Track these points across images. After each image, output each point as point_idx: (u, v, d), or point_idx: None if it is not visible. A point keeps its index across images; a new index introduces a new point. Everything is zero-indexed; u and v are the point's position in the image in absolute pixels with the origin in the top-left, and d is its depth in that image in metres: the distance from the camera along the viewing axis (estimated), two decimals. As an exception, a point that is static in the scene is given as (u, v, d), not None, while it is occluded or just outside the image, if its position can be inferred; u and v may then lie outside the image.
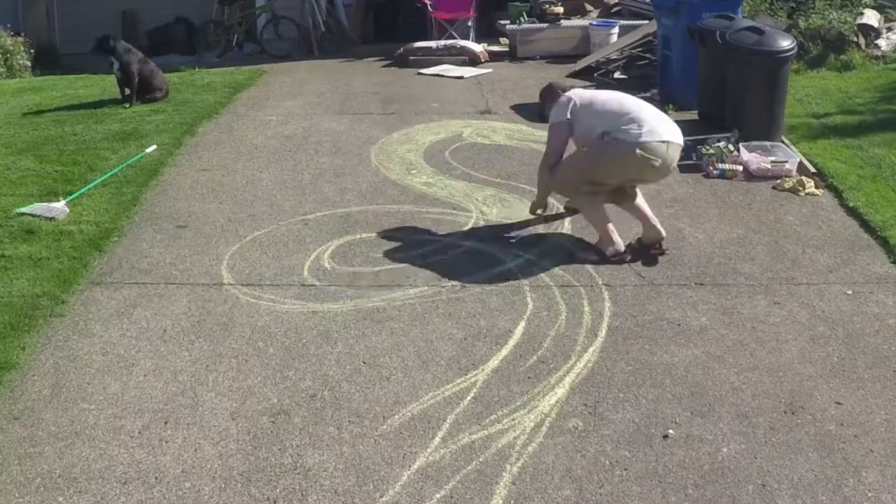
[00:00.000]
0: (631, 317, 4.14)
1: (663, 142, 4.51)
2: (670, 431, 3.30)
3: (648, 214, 4.79)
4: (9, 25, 10.50)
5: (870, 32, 9.37)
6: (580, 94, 4.89)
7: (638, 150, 4.46)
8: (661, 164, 4.55)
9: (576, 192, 4.83)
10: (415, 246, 4.93)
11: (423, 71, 9.74)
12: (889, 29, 9.64)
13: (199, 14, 11.84)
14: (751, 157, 6.02)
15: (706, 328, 4.05)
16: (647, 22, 9.55)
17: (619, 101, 4.72)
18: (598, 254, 4.69)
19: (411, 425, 3.36)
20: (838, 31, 9.21)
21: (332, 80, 9.38)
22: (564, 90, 4.95)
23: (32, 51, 10.51)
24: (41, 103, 8.26)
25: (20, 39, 10.42)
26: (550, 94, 5.05)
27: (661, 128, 4.55)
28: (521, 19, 10.60)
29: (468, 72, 9.65)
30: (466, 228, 5.18)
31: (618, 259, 4.64)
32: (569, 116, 4.72)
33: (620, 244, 4.68)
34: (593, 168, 4.64)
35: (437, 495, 2.98)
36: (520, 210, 5.43)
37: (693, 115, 7.28)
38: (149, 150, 6.58)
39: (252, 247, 4.97)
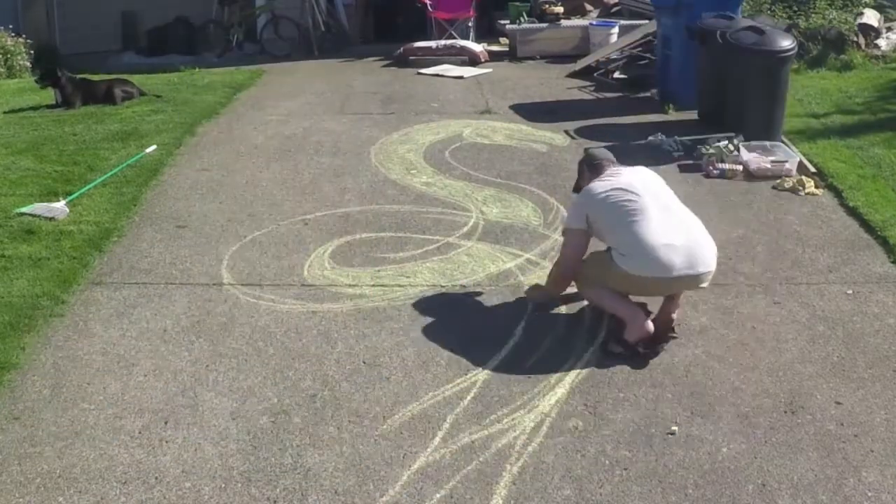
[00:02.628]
0: (631, 317, 4.13)
1: (673, 278, 3.76)
2: (674, 428, 3.30)
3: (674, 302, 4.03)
4: (11, 27, 10.49)
5: (870, 32, 9.38)
6: (596, 192, 3.93)
7: (641, 278, 3.80)
8: (671, 288, 3.89)
9: (590, 288, 4.06)
10: (415, 246, 4.93)
11: (423, 71, 9.74)
12: (889, 29, 9.64)
13: (199, 14, 11.83)
14: (751, 156, 6.02)
15: (706, 328, 4.04)
16: (647, 22, 9.55)
17: (636, 214, 3.81)
18: (622, 344, 3.82)
19: (411, 425, 3.36)
20: (838, 31, 9.21)
21: (332, 80, 9.38)
22: (595, 168, 4.09)
23: (33, 51, 10.51)
24: (41, 103, 8.26)
25: (21, 40, 10.42)
26: (581, 169, 4.22)
27: (675, 260, 3.72)
28: (521, 19, 10.61)
29: (468, 72, 9.65)
30: (466, 228, 5.18)
31: (646, 350, 3.80)
32: (584, 226, 3.95)
33: (649, 325, 3.83)
34: (606, 278, 3.90)
35: (437, 495, 2.98)
36: (519, 210, 5.43)
37: (693, 114, 7.29)
38: (149, 150, 6.58)
39: (252, 247, 4.97)
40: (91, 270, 4.67)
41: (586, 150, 4.32)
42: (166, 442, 3.27)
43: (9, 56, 10.20)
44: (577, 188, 4.19)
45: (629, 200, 3.83)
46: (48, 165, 6.28)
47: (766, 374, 3.67)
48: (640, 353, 3.75)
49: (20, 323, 4.08)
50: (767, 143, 6.25)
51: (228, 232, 5.18)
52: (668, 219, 3.84)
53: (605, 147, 6.59)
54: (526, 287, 4.41)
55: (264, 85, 9.30)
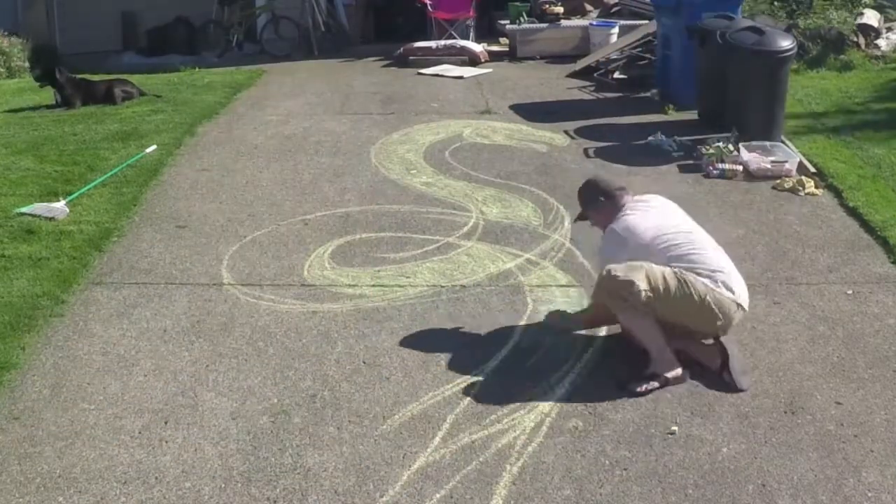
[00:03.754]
0: (631, 317, 4.13)
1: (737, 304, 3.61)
2: (674, 428, 3.30)
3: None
4: (7, 28, 10.49)
5: (870, 32, 9.38)
6: (635, 226, 3.71)
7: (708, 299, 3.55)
8: (721, 324, 3.63)
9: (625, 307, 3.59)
10: (415, 246, 4.93)
11: (423, 71, 9.74)
12: (889, 29, 9.65)
13: (199, 14, 11.82)
14: (751, 157, 6.02)
15: (706, 328, 4.03)
16: (647, 22, 9.55)
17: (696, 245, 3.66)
18: (657, 379, 3.54)
19: (411, 425, 3.36)
20: (838, 31, 9.21)
21: (332, 80, 9.38)
22: (612, 197, 3.83)
23: (26, 52, 10.49)
24: (41, 103, 8.26)
25: (16, 40, 10.41)
26: (589, 199, 3.93)
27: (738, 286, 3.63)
28: (521, 19, 10.60)
29: (468, 72, 9.65)
30: (466, 228, 5.18)
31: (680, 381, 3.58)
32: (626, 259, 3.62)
33: (681, 371, 3.59)
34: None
35: (437, 495, 2.98)
36: (519, 210, 5.43)
37: (693, 115, 7.29)
38: (149, 150, 6.58)
39: (252, 247, 4.97)
40: (91, 270, 4.68)
41: (587, 180, 4.05)
42: (166, 442, 3.27)
43: (8, 56, 10.20)
44: (584, 217, 4.00)
45: (680, 232, 3.68)
46: (48, 165, 6.29)
47: (766, 374, 3.67)
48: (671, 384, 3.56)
49: (20, 323, 4.08)
50: (767, 143, 6.25)
51: (228, 232, 5.18)
52: (716, 248, 3.74)
53: (604, 147, 6.68)
54: (546, 312, 4.13)
55: (264, 85, 9.30)
